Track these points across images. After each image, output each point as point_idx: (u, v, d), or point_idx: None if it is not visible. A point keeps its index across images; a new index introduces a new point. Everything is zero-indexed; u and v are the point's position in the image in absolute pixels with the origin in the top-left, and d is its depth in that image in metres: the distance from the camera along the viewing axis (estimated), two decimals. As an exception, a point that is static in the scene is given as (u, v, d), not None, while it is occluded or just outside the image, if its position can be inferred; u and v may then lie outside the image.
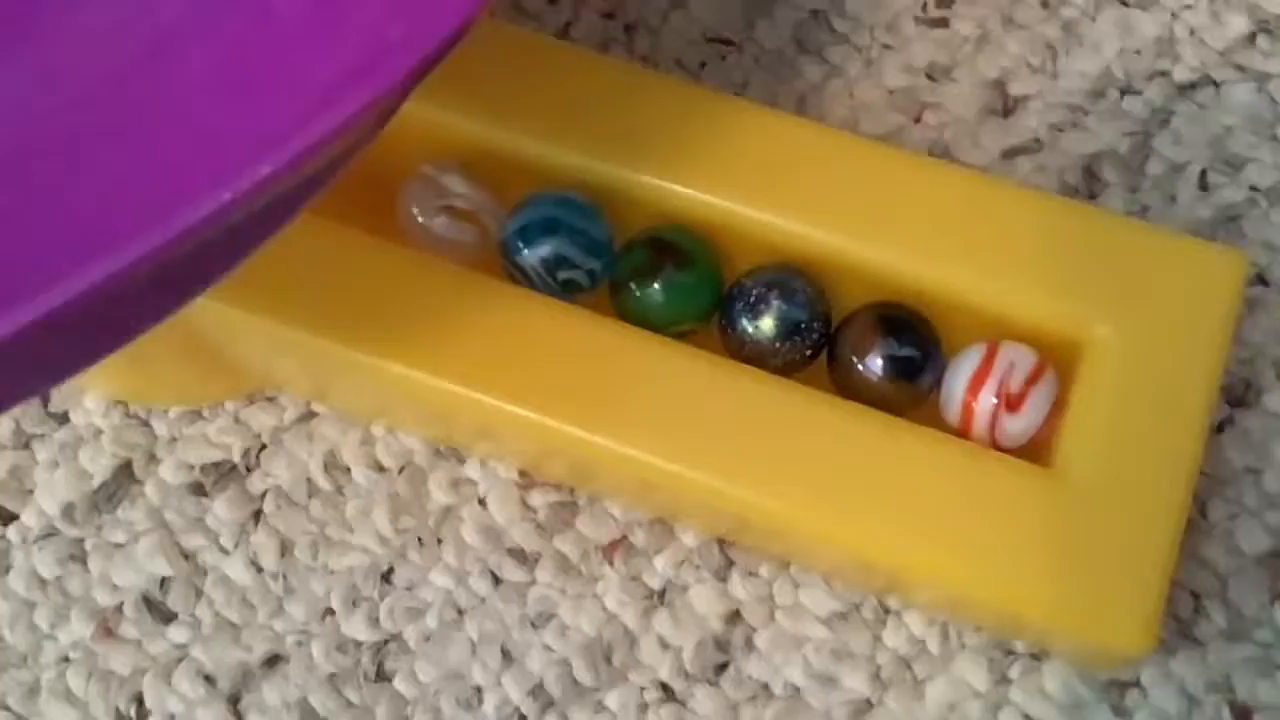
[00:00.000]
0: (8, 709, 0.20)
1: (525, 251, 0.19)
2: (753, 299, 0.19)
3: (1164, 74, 0.22)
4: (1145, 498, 0.17)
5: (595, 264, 0.19)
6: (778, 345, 0.19)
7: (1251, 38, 0.22)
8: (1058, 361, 0.18)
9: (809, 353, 0.19)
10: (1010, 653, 0.19)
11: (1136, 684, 0.19)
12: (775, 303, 0.19)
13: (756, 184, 0.19)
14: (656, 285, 0.19)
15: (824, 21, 0.23)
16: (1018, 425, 0.18)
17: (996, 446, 0.18)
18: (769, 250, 0.19)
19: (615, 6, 0.24)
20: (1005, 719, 0.19)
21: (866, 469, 0.17)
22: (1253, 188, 0.21)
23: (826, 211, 0.19)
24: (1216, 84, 0.22)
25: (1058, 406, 0.18)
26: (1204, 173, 0.22)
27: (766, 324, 0.19)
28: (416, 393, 0.18)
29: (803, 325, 0.19)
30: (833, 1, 0.24)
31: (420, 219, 0.19)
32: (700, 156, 0.19)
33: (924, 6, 0.23)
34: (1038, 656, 0.19)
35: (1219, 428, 0.20)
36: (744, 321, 0.19)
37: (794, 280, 0.19)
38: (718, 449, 0.18)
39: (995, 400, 0.18)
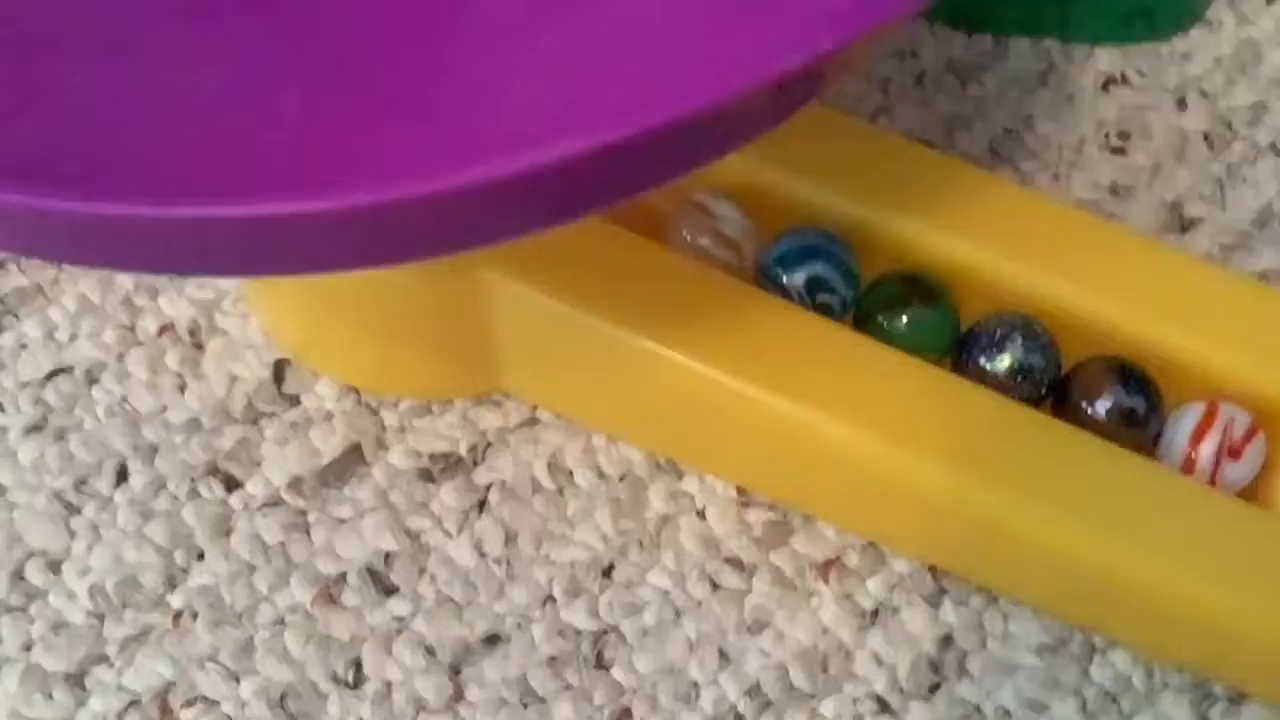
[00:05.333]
0: (218, 663, 0.20)
1: (787, 274, 0.21)
2: (996, 337, 0.20)
3: (1320, 214, 0.25)
4: (1361, 543, 0.19)
5: (849, 292, 0.21)
6: (1014, 382, 0.20)
7: (1397, 191, 0.25)
8: (1267, 425, 0.20)
9: (1041, 393, 0.21)
10: (1210, 695, 0.20)
11: (1335, 735, 0.20)
12: (1017, 342, 0.20)
13: (998, 241, 0.21)
14: (904, 318, 0.21)
15: (1017, 137, 0.26)
16: (1238, 473, 0.20)
17: (1212, 493, 0.20)
18: (1002, 301, 0.21)
19: (829, 104, 0.26)
20: (1209, 758, 0.20)
21: (1116, 498, 0.19)
22: (1406, 315, 0.24)
23: (1063, 271, 0.21)
24: (1367, 226, 0.25)
25: (1266, 465, 0.20)
26: (1363, 298, 0.24)
27: (1004, 362, 0.20)
28: (685, 381, 0.20)
29: (1038, 367, 0.20)
30: (1025, 121, 0.26)
31: (689, 239, 0.21)
32: (948, 214, 0.21)
33: (1105, 136, 0.26)
34: (1236, 700, 0.20)
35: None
36: (983, 358, 0.21)
37: (1035, 325, 0.21)
38: (966, 462, 0.19)
39: (1218, 449, 0.20)
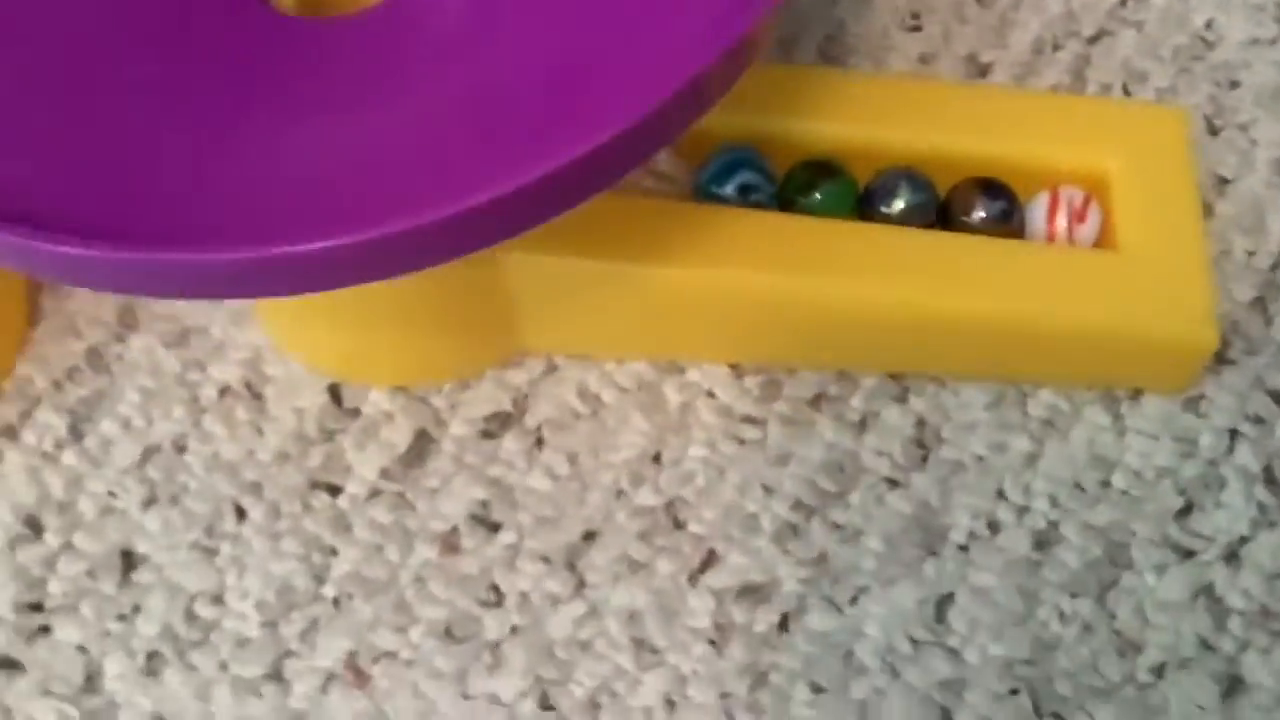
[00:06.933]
0: (384, 624, 0.25)
1: (720, 187, 0.26)
2: (888, 188, 0.27)
3: (1075, 33, 0.32)
4: (1184, 255, 0.26)
5: (771, 187, 0.27)
6: (909, 218, 0.27)
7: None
8: (1097, 193, 0.27)
9: (930, 219, 0.27)
10: (1115, 398, 0.27)
11: (1203, 396, 0.27)
12: (903, 187, 0.27)
13: (869, 117, 0.27)
14: (816, 194, 0.27)
15: (838, 39, 0.32)
16: (1086, 231, 0.26)
17: (1073, 253, 0.26)
18: (884, 160, 0.27)
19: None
20: (1130, 440, 0.26)
21: (1008, 273, 0.25)
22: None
23: (920, 125, 0.27)
24: (1112, 33, 0.32)
25: (1105, 220, 0.27)
26: (1125, 87, 0.31)
27: (899, 205, 0.27)
28: (668, 287, 0.25)
29: (923, 201, 0.27)
30: (839, 26, 0.33)
31: (636, 183, 0.27)
32: (825, 109, 0.27)
33: (902, 20, 0.33)
34: (1135, 396, 0.27)
35: (1195, 233, 0.29)
36: (882, 206, 0.27)
37: (913, 171, 0.27)
38: (896, 282, 0.25)
39: (1068, 219, 0.26)
